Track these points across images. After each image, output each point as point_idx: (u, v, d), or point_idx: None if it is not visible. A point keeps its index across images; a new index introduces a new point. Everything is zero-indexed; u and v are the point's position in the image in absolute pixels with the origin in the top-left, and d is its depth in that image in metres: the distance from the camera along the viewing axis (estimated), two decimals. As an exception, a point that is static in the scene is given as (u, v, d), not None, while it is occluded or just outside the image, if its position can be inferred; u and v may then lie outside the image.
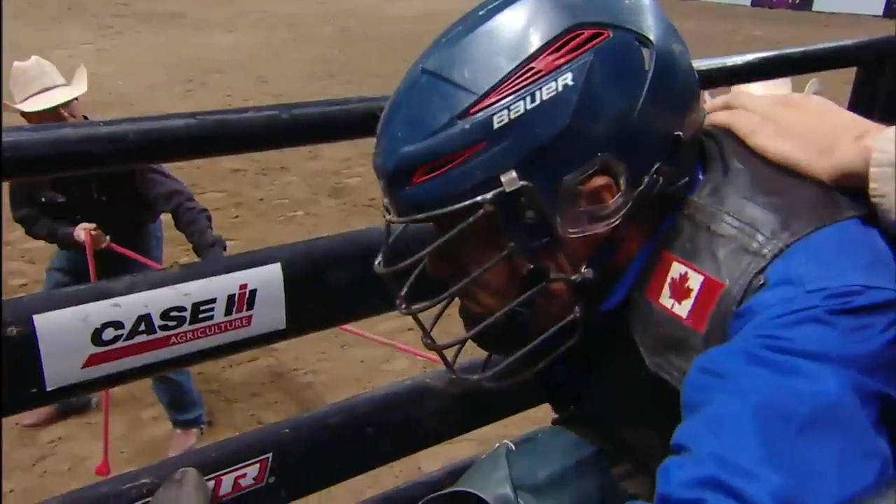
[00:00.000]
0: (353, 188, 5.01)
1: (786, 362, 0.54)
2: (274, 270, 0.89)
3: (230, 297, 0.86)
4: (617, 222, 0.63)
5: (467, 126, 0.60)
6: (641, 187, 0.62)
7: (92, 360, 0.83)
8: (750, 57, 1.30)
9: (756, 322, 0.57)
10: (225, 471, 0.93)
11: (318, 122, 0.86)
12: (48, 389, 0.82)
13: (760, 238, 0.60)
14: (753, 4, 14.70)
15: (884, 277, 0.59)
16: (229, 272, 0.86)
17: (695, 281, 0.63)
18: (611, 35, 0.62)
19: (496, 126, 0.60)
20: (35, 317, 0.79)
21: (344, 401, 1.11)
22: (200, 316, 0.85)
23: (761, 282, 0.58)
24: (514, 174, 0.60)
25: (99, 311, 0.82)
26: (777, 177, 0.66)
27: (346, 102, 0.87)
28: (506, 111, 0.60)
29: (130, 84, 7.21)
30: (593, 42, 0.61)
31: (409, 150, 0.62)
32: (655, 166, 0.63)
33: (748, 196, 0.64)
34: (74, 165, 0.77)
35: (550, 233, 0.63)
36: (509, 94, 0.60)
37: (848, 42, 1.39)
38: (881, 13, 12.64)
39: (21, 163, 0.73)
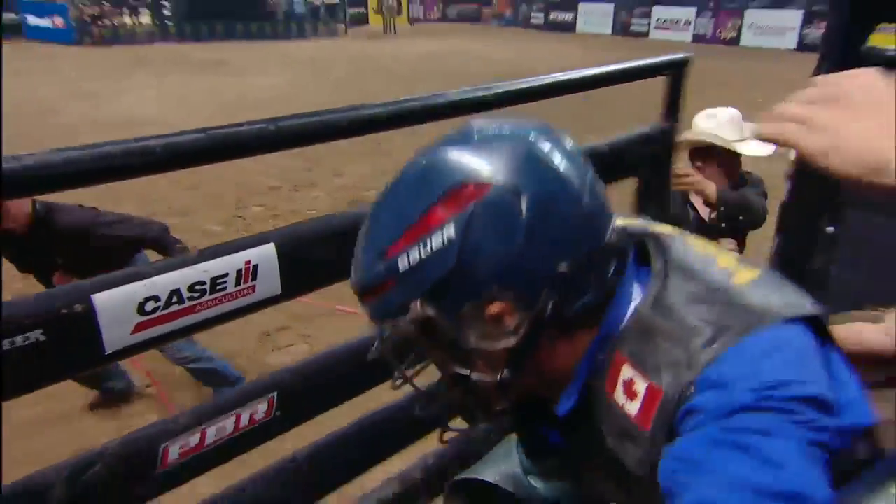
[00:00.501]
0: (369, 199, 5.10)
1: (748, 442, 0.52)
2: (270, 248, 0.91)
3: (238, 272, 0.88)
4: (521, 337, 0.62)
5: (382, 268, 0.61)
6: (534, 312, 0.61)
7: (138, 328, 0.84)
8: (586, 72, 1.34)
9: (706, 415, 0.54)
10: (242, 408, 0.96)
11: (298, 130, 0.88)
12: (106, 353, 0.83)
13: (694, 349, 0.57)
14: (693, 41, 14.63)
15: (809, 374, 0.56)
16: (237, 252, 0.89)
17: (640, 386, 0.60)
18: (490, 189, 0.59)
19: (400, 269, 0.61)
20: (93, 296, 0.80)
21: (331, 348, 1.13)
22: (217, 288, 0.87)
23: (692, 390, 0.56)
24: (418, 305, 0.61)
25: (141, 288, 0.83)
26: (713, 288, 0.62)
27: (320, 115, 0.90)
28: (406, 257, 0.60)
29: (185, 120, 7.27)
30: (475, 196, 0.59)
31: (358, 278, 0.64)
32: (543, 294, 0.61)
33: (686, 308, 0.61)
34: (116, 176, 0.79)
35: (465, 345, 0.63)
36: (409, 243, 0.61)
37: (656, 59, 1.48)
38: (794, 47, 12.59)
39: (70, 176, 0.75)
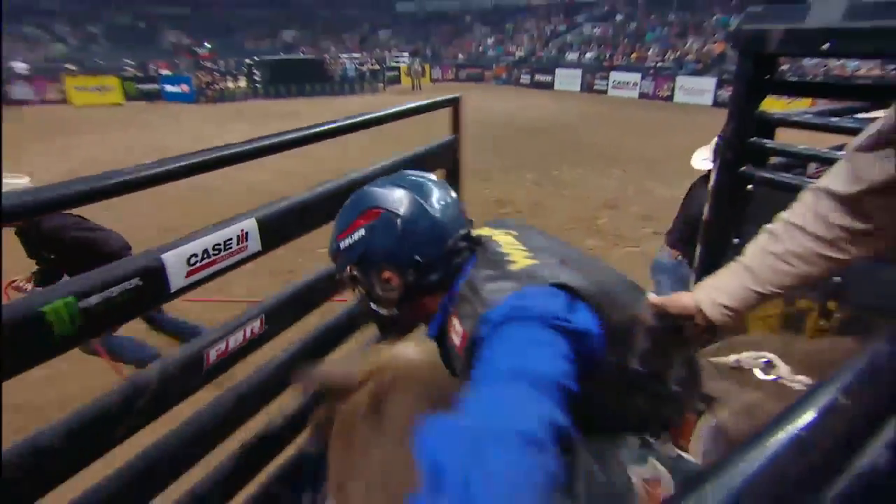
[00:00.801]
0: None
1: (503, 340, 0.61)
2: (253, 221, 1.00)
3: (238, 236, 0.96)
4: (402, 291, 0.77)
5: (335, 247, 0.80)
6: (405, 280, 0.76)
7: (188, 274, 0.90)
8: (398, 108, 1.38)
9: (483, 339, 0.64)
10: (245, 325, 1.04)
11: (265, 147, 0.99)
12: (171, 291, 0.87)
13: (479, 307, 0.68)
14: (639, 97, 14.38)
15: (547, 304, 0.64)
16: (234, 224, 0.97)
17: (459, 329, 0.71)
18: (383, 213, 0.76)
19: (340, 248, 0.79)
20: (162, 255, 0.86)
21: (294, 284, 1.19)
22: (226, 246, 0.95)
23: (478, 329, 0.66)
24: (349, 268, 0.79)
25: (187, 248, 0.90)
26: (500, 270, 0.72)
27: (268, 137, 1.01)
28: (343, 242, 0.79)
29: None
30: (376, 216, 0.76)
31: (329, 251, 0.82)
32: (409, 272, 0.76)
33: (481, 284, 0.71)
34: (144, 186, 0.83)
35: (373, 293, 0.79)
36: (345, 236, 0.78)
37: (442, 98, 1.55)
38: (711, 104, 12.45)
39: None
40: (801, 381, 0.88)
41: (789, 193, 1.31)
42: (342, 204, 0.83)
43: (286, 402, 1.18)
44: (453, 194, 0.81)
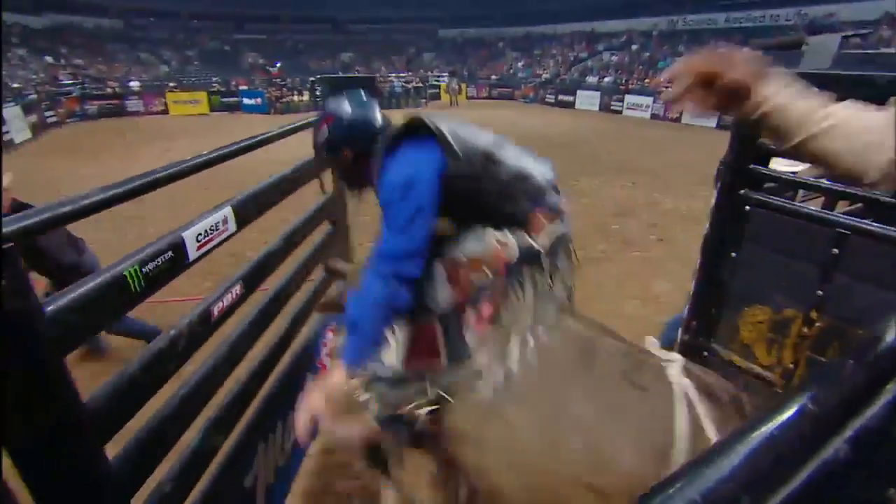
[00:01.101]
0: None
1: (386, 210, 0.94)
2: (229, 209, 1.10)
3: (221, 221, 1.06)
4: (353, 158, 1.09)
5: (314, 142, 1.14)
6: (355, 153, 1.09)
7: (197, 248, 0.97)
8: (287, 127, 1.55)
9: (382, 207, 0.96)
10: (232, 288, 1.13)
11: (251, 144, 1.18)
12: (190, 260, 0.95)
13: (382, 152, 1.00)
14: (651, 118, 13.78)
15: (407, 168, 0.95)
16: (218, 211, 1.06)
17: (376, 170, 1.02)
18: (337, 116, 1.09)
19: (318, 141, 1.12)
20: (182, 233, 0.94)
21: (256, 258, 1.31)
22: (217, 228, 1.04)
23: (381, 170, 0.99)
24: (324, 152, 1.11)
25: (195, 229, 0.98)
26: (390, 129, 1.04)
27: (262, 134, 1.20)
28: (318, 138, 1.12)
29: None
30: (334, 118, 1.09)
31: (313, 144, 1.14)
32: (357, 149, 1.08)
33: (382, 143, 1.03)
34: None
35: (339, 163, 1.12)
36: (317, 131, 1.11)
37: (317, 118, 1.53)
38: (714, 126, 11.64)
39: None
40: (681, 386, 0.83)
41: (781, 215, 1.25)
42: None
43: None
44: (375, 103, 1.11)
